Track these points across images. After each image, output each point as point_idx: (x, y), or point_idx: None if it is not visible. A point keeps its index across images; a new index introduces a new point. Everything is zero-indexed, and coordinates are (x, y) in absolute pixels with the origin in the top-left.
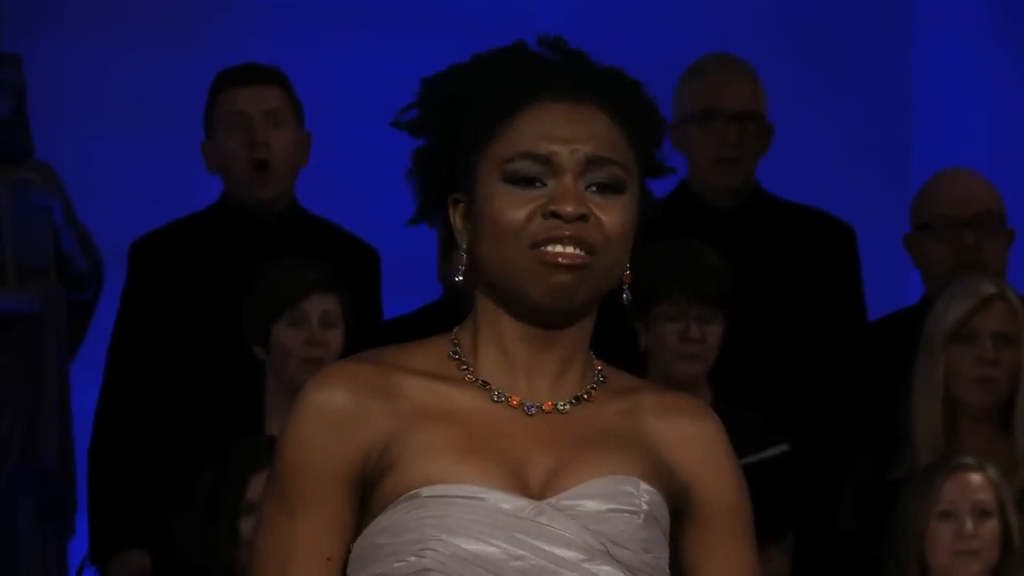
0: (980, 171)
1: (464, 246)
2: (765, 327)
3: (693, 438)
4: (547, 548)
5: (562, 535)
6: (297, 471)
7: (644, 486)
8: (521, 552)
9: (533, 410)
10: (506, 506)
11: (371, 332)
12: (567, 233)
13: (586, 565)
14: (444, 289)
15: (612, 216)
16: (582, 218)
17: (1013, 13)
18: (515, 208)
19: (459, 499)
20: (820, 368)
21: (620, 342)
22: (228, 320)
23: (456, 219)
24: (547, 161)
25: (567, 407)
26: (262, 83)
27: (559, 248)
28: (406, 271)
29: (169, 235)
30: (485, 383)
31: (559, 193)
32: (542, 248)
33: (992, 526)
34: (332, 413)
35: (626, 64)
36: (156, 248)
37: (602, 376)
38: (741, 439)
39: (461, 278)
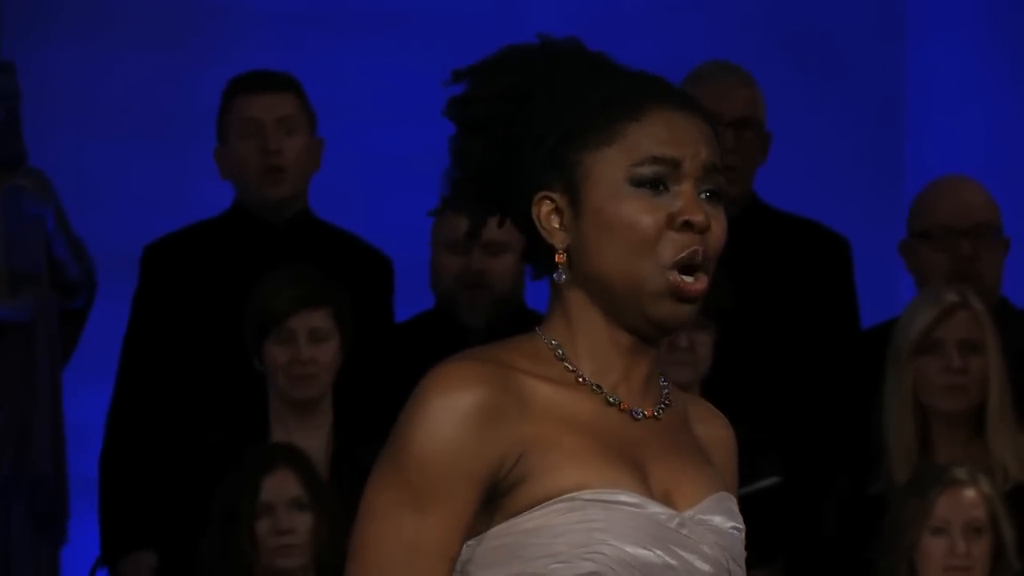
0: (973, 178)
1: (563, 246)
2: (758, 339)
3: (724, 443)
4: (691, 560)
5: (702, 548)
6: (433, 469)
7: (736, 503)
8: (673, 562)
9: (640, 415)
10: (660, 516)
11: (384, 340)
12: (701, 249)
13: None
14: (437, 298)
15: (719, 226)
16: (708, 228)
17: (1005, 21)
18: (646, 214)
19: (620, 505)
20: (814, 381)
21: None
22: (238, 326)
23: (544, 217)
24: (676, 165)
25: (660, 413)
26: (275, 90)
27: (691, 280)
28: (413, 276)
29: (182, 240)
30: (597, 386)
31: (688, 201)
32: (680, 276)
33: (984, 543)
34: (468, 412)
35: None
36: (169, 253)
37: (664, 380)
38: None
39: (564, 277)
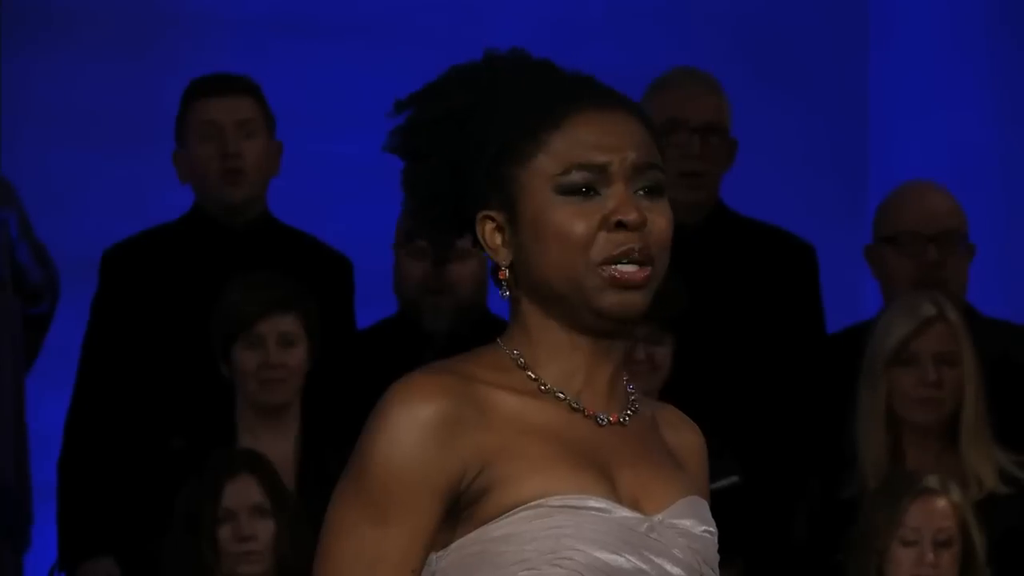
0: (939, 184)
1: (506, 263)
2: (723, 346)
3: (695, 450)
4: (661, 564)
5: (673, 552)
6: (393, 482)
7: (707, 507)
8: (644, 566)
9: (604, 420)
10: (629, 520)
11: (345, 343)
12: (636, 246)
13: None
14: (400, 304)
15: (661, 219)
16: (643, 224)
17: (968, 27)
18: (577, 220)
19: (588, 510)
20: (778, 387)
21: None
22: (199, 330)
23: (488, 236)
24: (602, 170)
25: (626, 419)
26: (234, 93)
27: (629, 268)
28: (373, 282)
29: (140, 244)
30: (561, 393)
31: (620, 202)
32: (613, 267)
33: (951, 553)
34: (428, 425)
35: None
36: (127, 257)
37: (631, 387)
38: None
39: (508, 294)
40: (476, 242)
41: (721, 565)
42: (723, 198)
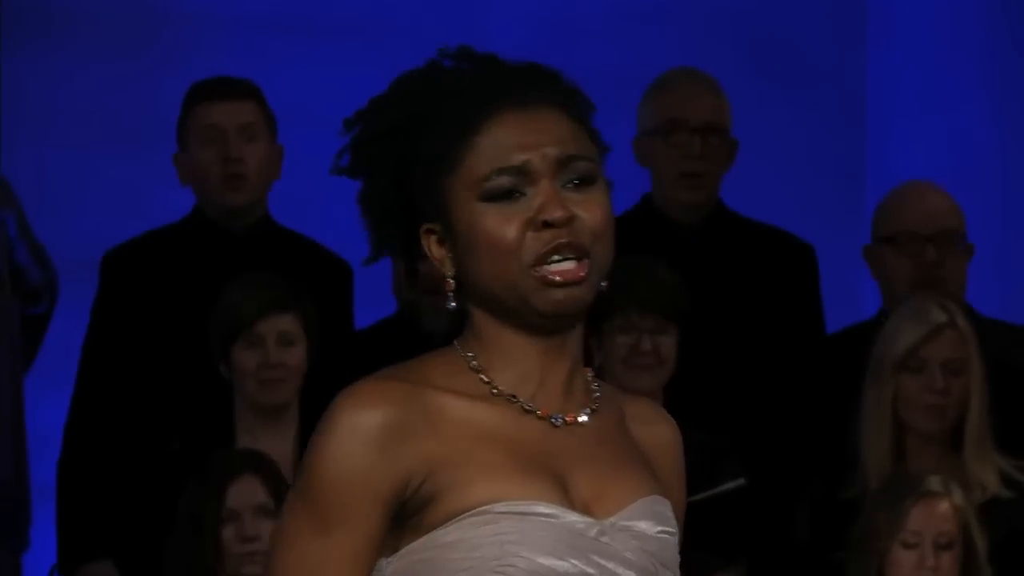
0: (938, 184)
1: (450, 274)
2: (724, 345)
3: (668, 445)
4: (612, 568)
5: (624, 555)
6: (336, 490)
7: (670, 506)
8: (590, 571)
9: (559, 421)
10: (577, 525)
11: (343, 346)
12: (565, 241)
13: None
14: (399, 304)
15: (593, 210)
16: (570, 220)
17: (966, 27)
18: (504, 225)
19: (533, 516)
20: (778, 387)
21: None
22: (199, 332)
23: (433, 249)
24: (522, 171)
25: (585, 418)
26: (237, 97)
27: (561, 266)
28: (371, 282)
29: (141, 246)
30: (513, 396)
31: (544, 201)
32: (545, 266)
33: (951, 556)
34: (374, 432)
35: (582, 80)
36: (128, 259)
37: (595, 384)
38: (698, 461)
39: (454, 304)
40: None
41: (725, 566)
42: (722, 198)
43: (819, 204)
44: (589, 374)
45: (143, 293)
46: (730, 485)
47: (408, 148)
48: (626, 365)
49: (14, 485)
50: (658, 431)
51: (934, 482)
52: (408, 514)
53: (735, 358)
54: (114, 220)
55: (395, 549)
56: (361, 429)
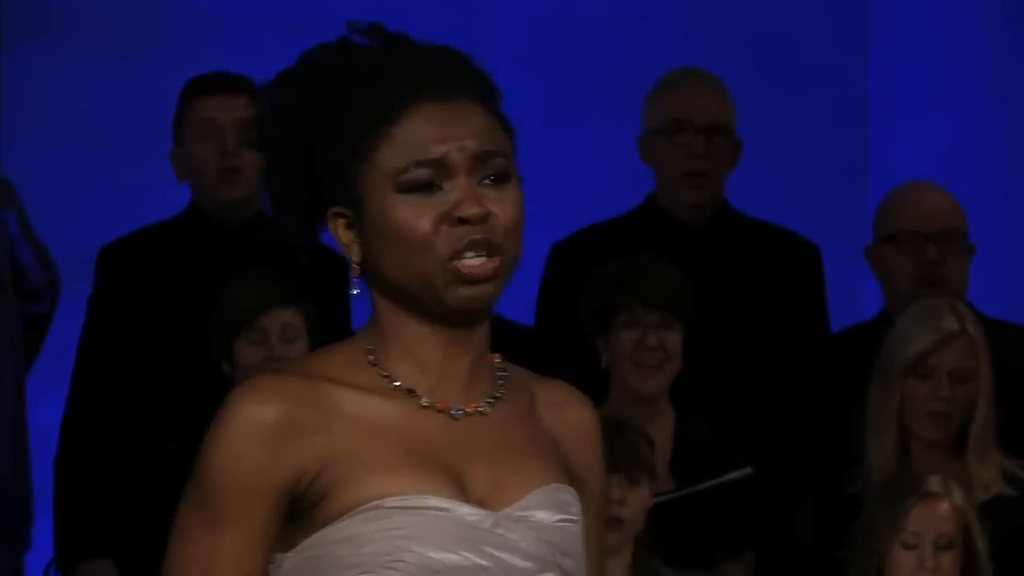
0: (939, 183)
1: (357, 259)
2: (729, 345)
3: (582, 429)
4: (506, 558)
5: (519, 546)
6: (227, 485)
7: (574, 493)
8: (484, 563)
9: (459, 413)
10: (469, 517)
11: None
12: (479, 238)
13: (537, 575)
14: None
15: (507, 207)
16: (486, 217)
17: (967, 26)
18: (419, 218)
19: (424, 510)
20: (783, 386)
21: (578, 362)
22: (196, 328)
23: (339, 233)
24: (440, 164)
25: (487, 408)
26: (234, 92)
27: (474, 261)
28: None
29: (137, 242)
30: (411, 390)
31: (461, 197)
32: (457, 261)
33: (951, 556)
34: (266, 428)
35: (585, 78)
36: (123, 255)
37: (502, 369)
38: (702, 458)
39: (356, 291)
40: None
41: (732, 558)
42: (727, 198)
43: (820, 203)
44: (496, 360)
45: (139, 289)
46: (736, 474)
47: (317, 127)
48: (633, 363)
49: (15, 484)
50: (570, 414)
51: (934, 482)
52: (302, 510)
53: (740, 357)
54: (114, 220)
55: (291, 545)
56: (255, 424)
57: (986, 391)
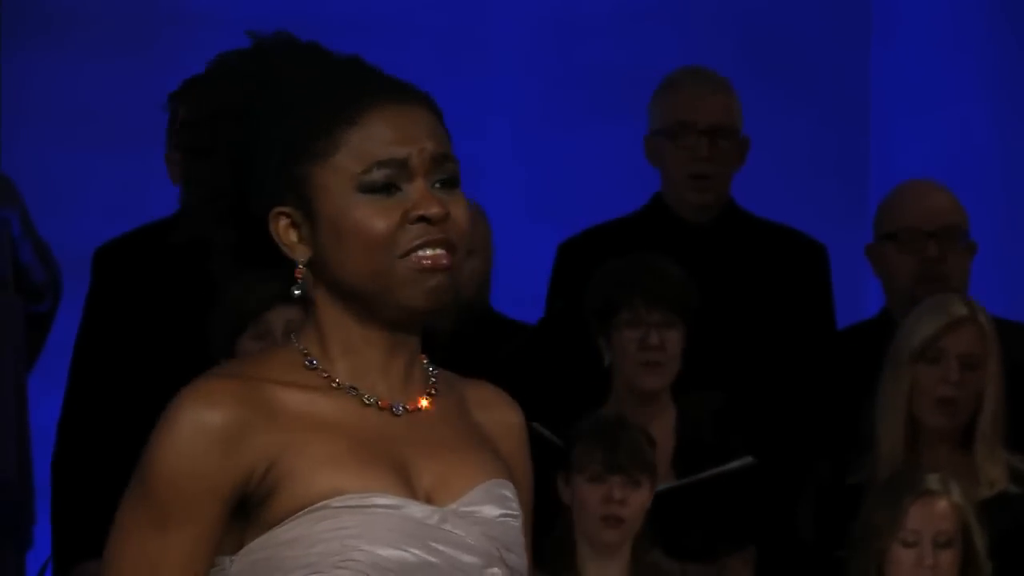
0: (939, 181)
1: (303, 260)
2: (735, 343)
3: (511, 428)
4: (454, 554)
5: (466, 541)
6: (173, 487)
7: (513, 488)
8: (432, 559)
9: (400, 410)
10: (417, 514)
11: None
12: (439, 236)
13: (484, 570)
14: None
15: (459, 210)
16: (446, 217)
17: (968, 25)
18: (380, 218)
19: (372, 508)
20: (789, 384)
21: (583, 361)
22: (193, 327)
23: (282, 233)
24: (403, 165)
25: (425, 404)
26: None
27: (429, 252)
28: None
29: (134, 242)
30: (352, 388)
31: (420, 197)
32: (414, 254)
33: (951, 554)
34: (213, 431)
35: (587, 77)
36: (120, 255)
37: (432, 370)
38: (704, 455)
39: (299, 292)
40: (259, 235)
41: (734, 550)
42: (733, 197)
43: (822, 202)
44: (425, 361)
45: (135, 289)
46: (737, 464)
47: (250, 129)
48: (635, 362)
49: (17, 483)
50: (500, 415)
51: (933, 481)
52: (249, 509)
53: (748, 357)
54: (115, 219)
55: (238, 547)
56: (201, 427)
57: (994, 384)
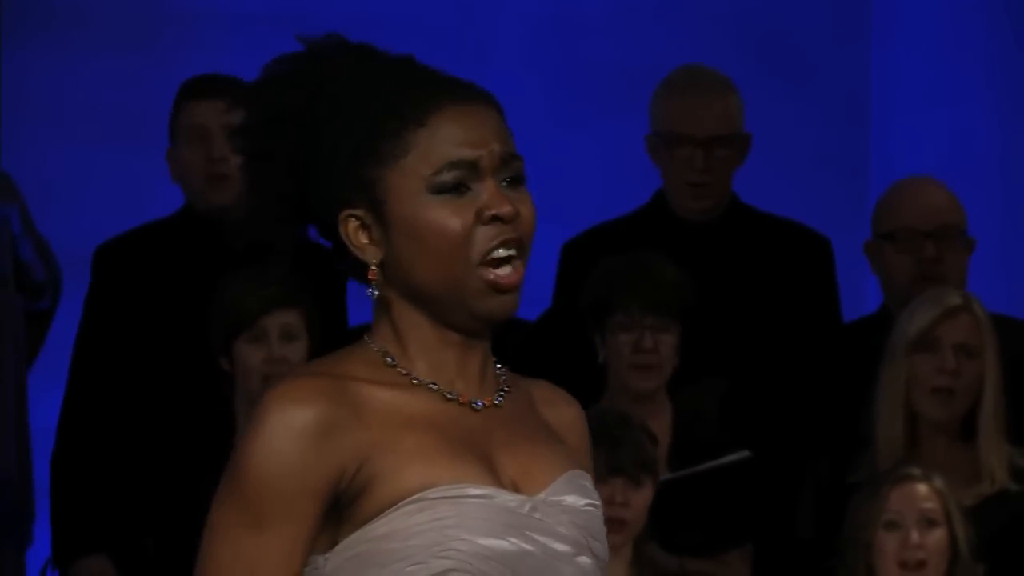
0: (938, 179)
1: (375, 261)
2: (740, 340)
3: (573, 424)
4: (547, 542)
5: (557, 530)
6: (268, 486)
7: (591, 480)
8: (529, 547)
9: (480, 405)
10: (510, 503)
11: (338, 342)
12: (513, 235)
13: (575, 558)
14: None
15: (527, 208)
16: (516, 216)
17: (968, 23)
18: (453, 218)
19: (469, 499)
20: (789, 380)
21: (580, 357)
22: (192, 326)
23: (353, 235)
24: (473, 166)
25: (500, 401)
26: (223, 96)
27: (505, 270)
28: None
29: (133, 240)
30: (433, 384)
31: (492, 196)
32: (493, 271)
33: (939, 535)
34: (305, 428)
35: (588, 75)
36: (120, 253)
37: (500, 368)
38: (699, 452)
39: (376, 292)
40: (324, 235)
41: (732, 546)
42: (736, 192)
43: (823, 200)
44: (493, 359)
45: (135, 287)
46: (733, 457)
47: (311, 132)
48: (629, 364)
49: (17, 481)
50: (563, 411)
51: (913, 469)
52: (342, 507)
53: (751, 353)
54: (115, 217)
55: (331, 545)
56: (294, 425)
57: (993, 374)
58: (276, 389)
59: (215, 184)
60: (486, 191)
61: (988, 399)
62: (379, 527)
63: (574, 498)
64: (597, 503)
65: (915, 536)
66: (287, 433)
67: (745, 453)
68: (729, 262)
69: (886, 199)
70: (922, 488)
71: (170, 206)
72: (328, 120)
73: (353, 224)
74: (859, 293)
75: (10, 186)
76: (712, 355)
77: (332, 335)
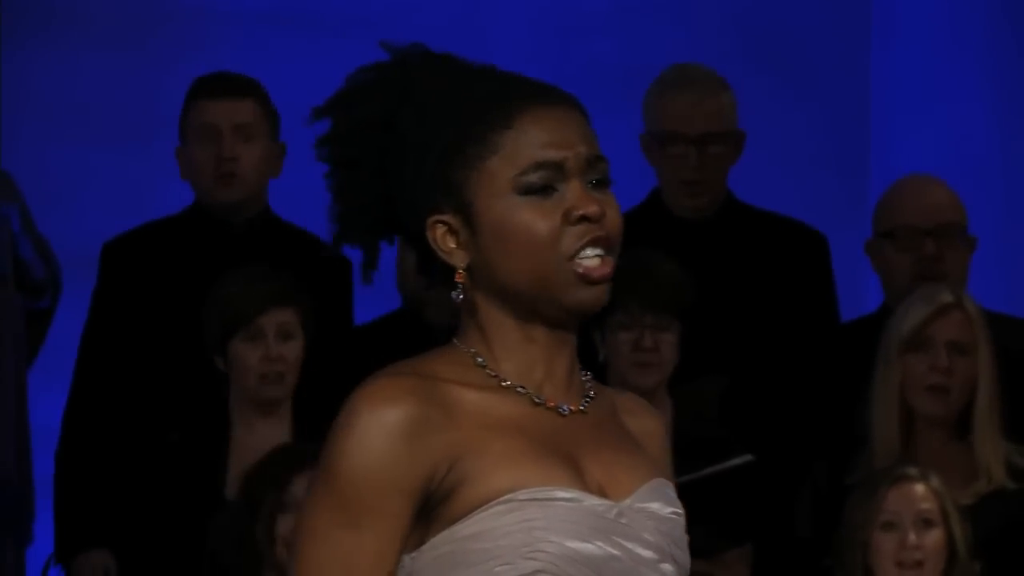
0: (938, 177)
1: (463, 265)
2: (737, 337)
3: (654, 435)
4: (634, 548)
5: (643, 536)
6: (364, 484)
7: (674, 488)
8: (615, 552)
9: (566, 410)
10: (597, 507)
11: (342, 341)
12: (601, 233)
13: (659, 565)
14: (403, 298)
15: (614, 209)
16: (603, 216)
17: (968, 22)
18: (542, 219)
19: (557, 502)
20: (788, 380)
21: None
22: (197, 324)
23: (441, 241)
24: (559, 167)
25: (586, 407)
26: (235, 96)
27: (593, 262)
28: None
29: (141, 237)
30: (521, 387)
31: (578, 197)
32: (580, 261)
33: (936, 535)
34: (397, 427)
35: (587, 74)
36: (128, 250)
37: (585, 375)
38: (700, 450)
39: (462, 296)
40: (409, 241)
41: (731, 546)
42: (732, 189)
43: (823, 198)
44: (579, 367)
45: (142, 284)
46: (736, 461)
47: (397, 139)
48: (629, 363)
49: (17, 479)
50: (645, 422)
51: (910, 469)
52: (432, 507)
53: (748, 350)
54: (115, 216)
55: (418, 544)
56: (385, 424)
57: (987, 370)
58: (365, 388)
59: (223, 183)
60: (572, 192)
61: (983, 396)
62: (467, 527)
63: (659, 505)
64: (680, 512)
65: (912, 537)
66: (379, 431)
67: (748, 457)
68: (725, 259)
69: (887, 197)
70: (919, 488)
71: (170, 205)
72: (414, 126)
73: (441, 230)
74: (859, 292)
75: (10, 185)
76: (710, 352)
77: (337, 335)
